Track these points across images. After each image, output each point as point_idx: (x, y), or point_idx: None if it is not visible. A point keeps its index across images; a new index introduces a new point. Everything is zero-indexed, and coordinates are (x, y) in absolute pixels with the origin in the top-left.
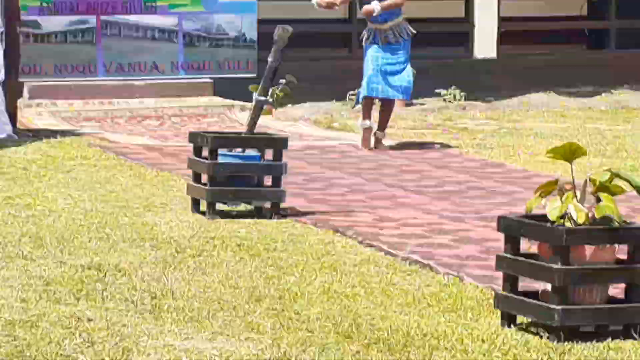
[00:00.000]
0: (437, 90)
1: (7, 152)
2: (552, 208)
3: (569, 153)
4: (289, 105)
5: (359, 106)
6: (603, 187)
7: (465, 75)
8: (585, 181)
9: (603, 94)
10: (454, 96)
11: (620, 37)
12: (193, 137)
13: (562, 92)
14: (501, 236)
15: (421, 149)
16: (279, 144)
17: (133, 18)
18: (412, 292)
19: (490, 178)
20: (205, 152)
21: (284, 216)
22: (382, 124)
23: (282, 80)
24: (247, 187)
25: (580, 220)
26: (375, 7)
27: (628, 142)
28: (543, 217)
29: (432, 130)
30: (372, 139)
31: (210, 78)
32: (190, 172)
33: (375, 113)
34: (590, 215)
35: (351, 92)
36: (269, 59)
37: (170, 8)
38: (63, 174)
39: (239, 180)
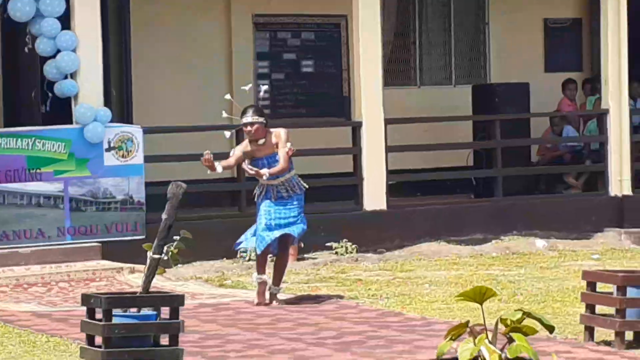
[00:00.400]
0: (328, 244)
1: None
2: (464, 350)
3: (479, 295)
4: (179, 265)
5: (244, 255)
6: (515, 328)
7: (356, 228)
8: (497, 322)
9: (493, 241)
10: (346, 249)
11: (506, 185)
12: (86, 298)
13: (452, 240)
14: None
15: (316, 302)
16: (175, 301)
17: (17, 185)
18: None
19: (389, 327)
20: (99, 314)
21: None
22: (277, 279)
23: (177, 237)
24: (144, 347)
25: None
26: (264, 172)
27: (523, 286)
28: None
29: (326, 283)
30: (267, 294)
31: (98, 242)
32: (82, 336)
33: (269, 269)
34: (503, 356)
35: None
36: (163, 216)
37: (56, 174)
38: None
39: (135, 340)
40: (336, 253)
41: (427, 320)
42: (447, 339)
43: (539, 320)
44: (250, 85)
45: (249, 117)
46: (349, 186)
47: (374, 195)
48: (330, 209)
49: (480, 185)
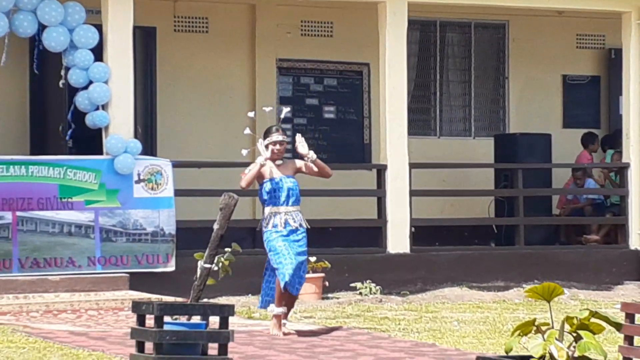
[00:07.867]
0: (352, 284)
1: None
2: (534, 345)
3: (547, 292)
4: (205, 299)
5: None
6: (583, 325)
7: (379, 271)
8: (563, 320)
9: (515, 288)
10: (370, 290)
11: (527, 235)
12: (137, 305)
13: (474, 286)
14: None
15: (348, 332)
16: (225, 311)
17: (49, 214)
18: None
19: (425, 355)
20: (149, 322)
21: None
22: (288, 309)
23: (228, 249)
24: (193, 355)
25: (562, 359)
26: (311, 153)
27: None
28: (518, 357)
29: (353, 319)
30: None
31: (127, 272)
32: (124, 352)
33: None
34: (570, 354)
35: None
36: (215, 226)
37: (87, 204)
38: None
39: (185, 348)
40: (360, 294)
41: (461, 352)
42: (515, 335)
43: (605, 319)
44: (270, 108)
45: (280, 136)
46: (371, 231)
47: (398, 239)
48: (354, 251)
49: (501, 234)
